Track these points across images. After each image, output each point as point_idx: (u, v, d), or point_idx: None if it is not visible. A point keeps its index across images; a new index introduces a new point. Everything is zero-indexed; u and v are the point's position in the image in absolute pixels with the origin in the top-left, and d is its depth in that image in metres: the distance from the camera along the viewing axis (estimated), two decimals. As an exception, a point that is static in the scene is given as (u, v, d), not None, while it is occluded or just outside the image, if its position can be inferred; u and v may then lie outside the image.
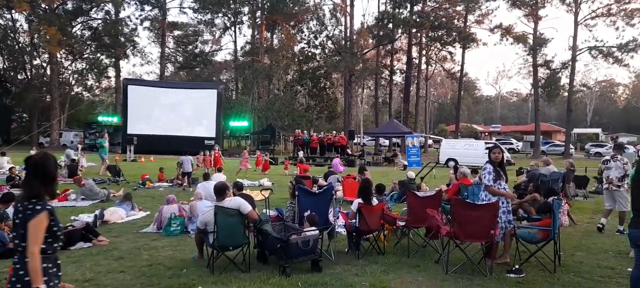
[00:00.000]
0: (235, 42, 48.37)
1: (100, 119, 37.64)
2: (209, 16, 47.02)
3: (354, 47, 41.44)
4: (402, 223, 6.59)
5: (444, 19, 39.11)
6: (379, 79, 46.91)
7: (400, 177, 13.08)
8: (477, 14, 41.25)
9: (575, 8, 35.41)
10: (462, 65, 42.92)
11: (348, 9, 41.69)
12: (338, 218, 7.07)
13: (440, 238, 5.87)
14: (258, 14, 44.80)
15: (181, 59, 51.43)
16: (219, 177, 11.78)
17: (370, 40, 43.43)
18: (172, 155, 22.96)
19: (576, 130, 53.72)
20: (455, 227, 5.41)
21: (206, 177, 10.66)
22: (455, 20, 40.97)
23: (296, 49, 47.20)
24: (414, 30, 40.08)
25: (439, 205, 6.67)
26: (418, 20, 37.82)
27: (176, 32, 49.65)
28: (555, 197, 6.49)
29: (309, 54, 45.60)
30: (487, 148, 21.94)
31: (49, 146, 34.51)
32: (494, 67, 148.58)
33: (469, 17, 41.22)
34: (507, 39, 38.18)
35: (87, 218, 8.08)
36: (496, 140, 41.21)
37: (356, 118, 46.08)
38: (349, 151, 27.94)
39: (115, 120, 35.36)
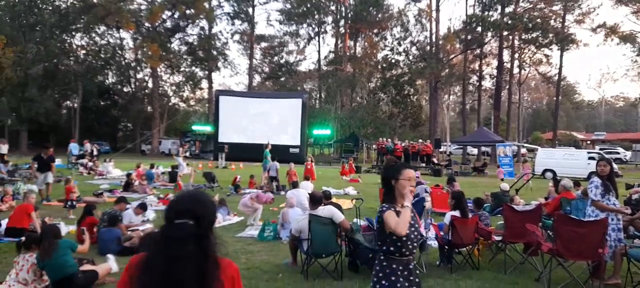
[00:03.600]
0: (319, 51, 49.19)
1: (194, 128, 40.32)
2: (294, 27, 48.53)
3: (439, 52, 40.39)
4: (499, 238, 6.30)
5: (539, 20, 36.69)
6: (467, 85, 45.20)
7: (492, 189, 12.49)
8: (577, 13, 38.24)
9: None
10: (560, 68, 40.06)
11: (433, 14, 40.78)
12: (429, 230, 6.93)
13: (541, 255, 5.53)
14: (341, 23, 45.37)
15: (267, 69, 53.53)
16: (307, 185, 12.10)
17: (457, 45, 42.04)
18: (260, 163, 23.93)
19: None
20: (558, 243, 5.08)
21: (295, 185, 10.98)
22: (552, 21, 38.26)
23: (379, 56, 47.09)
24: (505, 33, 38.13)
25: (538, 219, 6.28)
26: (510, 22, 35.93)
27: (263, 44, 51.82)
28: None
29: (393, 60, 45.19)
30: (590, 158, 20.36)
31: (150, 153, 37.55)
32: (597, 70, 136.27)
33: (568, 16, 38.34)
34: (612, 39, 35.04)
35: (189, 221, 8.70)
36: (600, 149, 37.64)
37: (442, 125, 44.77)
38: (435, 160, 27.18)
39: (208, 129, 37.60)
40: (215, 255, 1.62)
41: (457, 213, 5.94)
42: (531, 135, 56.45)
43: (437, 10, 40.54)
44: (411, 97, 47.76)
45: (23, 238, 5.49)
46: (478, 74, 43.98)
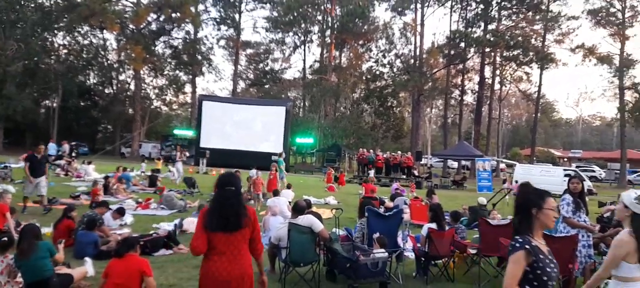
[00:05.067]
0: (304, 60, 49.35)
1: (175, 132, 39.92)
2: (280, 35, 48.63)
3: (423, 66, 40.95)
4: (474, 251, 6.44)
5: (520, 38, 37.57)
6: (449, 99, 45.86)
7: (470, 203, 12.71)
8: (557, 33, 39.24)
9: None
10: (539, 86, 40.95)
11: (418, 28, 41.39)
12: (407, 241, 7.04)
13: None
14: (327, 33, 45.67)
15: (252, 76, 53.47)
16: (287, 193, 12.14)
17: (441, 60, 42.71)
18: (242, 169, 23.83)
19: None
20: (531, 258, 5.22)
21: (276, 193, 11.00)
22: (533, 40, 39.23)
23: (364, 67, 47.46)
24: (487, 50, 38.91)
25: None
26: (492, 39, 36.71)
27: (249, 51, 51.78)
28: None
29: (377, 72, 45.65)
30: (566, 175, 20.81)
31: (130, 156, 37.05)
32: (575, 89, 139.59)
33: (548, 36, 39.32)
34: (590, 60, 36.02)
35: (168, 227, 8.65)
36: (577, 166, 38.55)
37: (424, 138, 45.26)
38: (415, 172, 27.49)
39: (190, 133, 37.30)
40: (244, 204, 3.20)
41: (434, 225, 6.06)
42: (510, 150, 57.46)
43: (422, 24, 41.20)
44: (394, 109, 48.23)
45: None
46: (460, 88, 44.72)
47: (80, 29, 40.73)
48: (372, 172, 23.16)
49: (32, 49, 35.62)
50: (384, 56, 44.60)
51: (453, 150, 32.92)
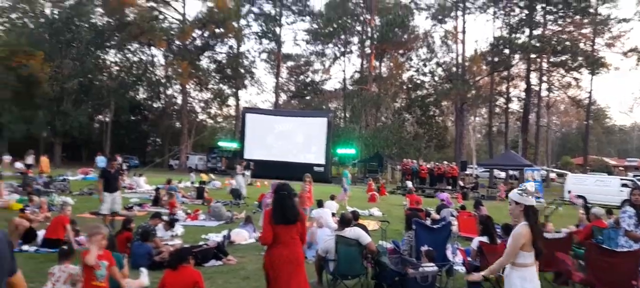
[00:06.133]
0: (344, 71, 49.55)
1: (220, 144, 40.92)
2: (320, 47, 49.10)
3: (466, 73, 40.15)
4: (528, 266, 6.21)
5: (568, 43, 36.16)
6: (494, 107, 44.65)
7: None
8: (607, 37, 37.50)
9: None
10: (590, 92, 39.25)
11: (460, 36, 40.68)
12: (456, 255, 6.89)
13: (572, 285, 5.43)
14: (367, 43, 45.69)
15: (293, 88, 54.14)
16: (331, 205, 12.17)
17: (484, 67, 41.72)
18: (285, 181, 24.09)
19: None
20: (590, 274, 5.01)
21: (320, 204, 11.04)
22: (581, 44, 37.66)
23: (405, 76, 47.05)
24: (533, 56, 37.68)
25: (569, 248, 6.18)
26: (538, 45, 35.53)
27: (289, 63, 52.55)
28: None
29: (418, 81, 45.15)
30: (623, 185, 19.75)
31: (178, 168, 38.25)
32: (629, 94, 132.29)
33: (598, 40, 37.62)
34: (643, 64, 34.17)
35: (216, 237, 8.87)
36: (634, 175, 36.49)
37: (468, 147, 44.21)
38: (461, 182, 26.85)
39: (234, 145, 38.10)
40: (296, 204, 4.48)
41: (485, 239, 5.90)
42: (560, 159, 55.12)
43: (464, 31, 40.47)
44: (436, 118, 47.47)
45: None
46: (505, 96, 43.44)
47: (130, 47, 42.77)
48: (409, 183, 22.59)
49: (86, 67, 37.69)
50: (424, 65, 44.11)
51: (500, 159, 31.94)
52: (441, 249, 6.08)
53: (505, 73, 41.53)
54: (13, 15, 39.41)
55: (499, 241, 6.06)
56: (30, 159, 20.37)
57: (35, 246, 7.81)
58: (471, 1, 40.68)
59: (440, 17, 42.33)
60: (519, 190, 3.67)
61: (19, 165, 20.29)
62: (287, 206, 4.30)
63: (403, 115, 46.83)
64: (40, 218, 10.21)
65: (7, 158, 24.95)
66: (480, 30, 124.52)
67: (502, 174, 35.98)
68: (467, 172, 32.17)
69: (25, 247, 7.72)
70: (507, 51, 37.94)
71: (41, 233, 8.11)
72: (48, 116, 35.74)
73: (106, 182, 9.86)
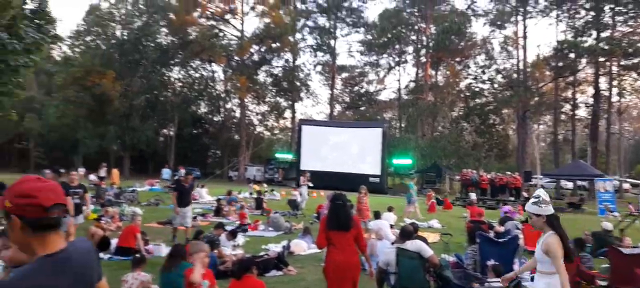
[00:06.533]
0: (399, 80, 49.16)
1: (277, 155, 41.72)
2: (374, 58, 49.01)
3: (528, 80, 38.48)
4: (604, 283, 5.84)
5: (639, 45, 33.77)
6: (559, 114, 42.38)
7: (592, 228, 11.55)
8: (684, 37, 34.64)
9: None
10: (666, 96, 36.29)
11: (521, 41, 39.13)
12: (523, 270, 6.59)
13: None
14: (422, 52, 45.06)
15: (348, 99, 54.31)
16: (389, 216, 12.05)
17: (547, 72, 39.80)
18: (340, 191, 24.14)
19: None
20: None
21: (377, 215, 10.95)
22: (656, 45, 35.01)
23: (462, 84, 45.86)
24: (601, 60, 35.47)
25: (650, 265, 5.74)
26: (607, 47, 33.43)
27: (344, 74, 52.82)
28: None
29: (477, 89, 43.82)
30: None
31: (237, 180, 39.39)
32: None
33: (674, 40, 34.84)
34: None
35: (276, 248, 9.04)
36: None
37: (531, 157, 42.19)
38: (525, 194, 25.64)
39: (290, 157, 38.71)
40: (350, 212, 5.03)
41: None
42: (634, 168, 51.27)
43: (525, 36, 38.91)
44: (497, 126, 45.75)
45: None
46: (571, 102, 41.09)
47: (192, 64, 44.92)
48: (473, 195, 21.78)
49: (152, 84, 40.06)
50: (483, 72, 42.74)
51: (567, 169, 30.15)
52: (508, 264, 5.85)
53: (570, 78, 39.36)
54: (88, 38, 42.65)
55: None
56: (103, 172, 21.70)
57: (108, 254, 8.32)
58: (532, 5, 39.12)
59: (499, 23, 40.95)
60: (534, 201, 3.63)
61: (92, 177, 21.68)
62: (341, 214, 4.75)
63: (461, 124, 45.57)
64: (112, 228, 10.90)
65: (81, 171, 26.75)
66: (542, 35, 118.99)
67: (570, 185, 33.96)
68: (531, 183, 30.67)
69: (100, 255, 8.20)
70: (572, 55, 36.00)
71: (114, 242, 8.61)
72: (118, 131, 38.18)
73: (180, 196, 9.80)
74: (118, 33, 42.64)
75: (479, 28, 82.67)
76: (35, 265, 1.65)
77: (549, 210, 3.59)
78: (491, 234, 8.09)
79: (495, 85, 42.52)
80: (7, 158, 42.67)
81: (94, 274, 1.86)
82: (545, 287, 3.56)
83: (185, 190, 9.96)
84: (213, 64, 44.62)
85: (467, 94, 44.50)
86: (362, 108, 51.54)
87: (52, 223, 1.68)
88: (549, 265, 3.54)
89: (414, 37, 46.27)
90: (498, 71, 42.28)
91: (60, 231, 1.76)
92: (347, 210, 4.86)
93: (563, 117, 43.33)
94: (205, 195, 19.89)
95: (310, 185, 17.31)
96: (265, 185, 27.99)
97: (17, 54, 12.34)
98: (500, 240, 6.23)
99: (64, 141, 40.16)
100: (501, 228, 10.00)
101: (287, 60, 47.03)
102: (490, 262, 5.61)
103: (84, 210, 9.28)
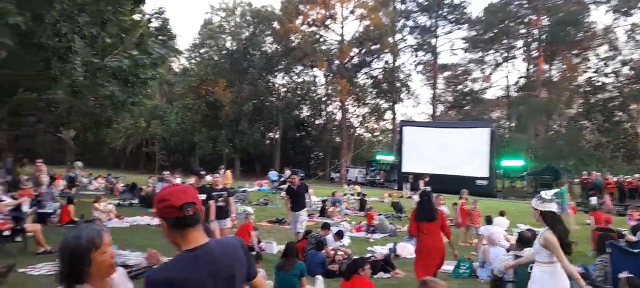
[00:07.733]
0: (507, 77, 46.19)
1: (378, 157, 41.59)
2: (479, 54, 46.67)
3: (662, 71, 33.94)
4: None
5: None
6: None
7: None
8: None
9: None
10: None
11: (653, 27, 34.63)
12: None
13: None
14: (534, 45, 41.88)
15: (451, 98, 52.37)
16: (501, 221, 11.43)
17: (688, 61, 34.74)
18: (444, 194, 23.33)
19: None
20: None
21: (489, 220, 10.45)
22: None
23: (581, 79, 41.78)
24: None
25: None
26: None
27: (446, 73, 51.01)
28: None
29: (599, 83, 39.61)
30: None
31: (338, 181, 40.02)
32: None
33: None
34: None
35: (382, 250, 9.05)
36: None
37: (669, 158, 37.07)
38: (660, 199, 22.64)
39: (391, 158, 38.34)
40: (435, 206, 6.52)
41: None
42: None
43: (658, 22, 34.33)
44: (624, 124, 40.91)
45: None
46: None
47: (295, 69, 46.69)
48: (594, 199, 19.68)
49: (259, 90, 42.49)
50: (606, 64, 38.57)
51: None
52: (645, 277, 5.23)
53: None
54: (202, 50, 46.55)
55: None
56: (221, 173, 23.53)
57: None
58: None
59: (624, 9, 36.60)
60: (537, 198, 4.22)
61: (209, 178, 23.44)
62: (427, 207, 6.07)
63: (580, 122, 41.53)
64: (229, 225, 11.71)
65: (222, 173, 29.18)
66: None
67: None
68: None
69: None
70: None
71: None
72: (229, 135, 41.13)
73: (293, 201, 9.27)
74: (228, 44, 45.81)
75: (600, 16, 74.72)
76: (174, 259, 1.88)
77: (546, 207, 4.07)
78: (622, 243, 7.30)
79: (621, 79, 38.13)
80: (137, 161, 47.87)
81: (237, 269, 1.98)
82: (539, 274, 4.03)
83: (294, 192, 9.31)
84: (314, 68, 45.89)
85: (588, 88, 40.48)
86: (467, 107, 49.36)
87: (188, 221, 1.87)
88: (545, 256, 4.00)
89: (523, 31, 43.22)
90: (624, 63, 37.90)
91: (200, 227, 1.95)
92: (432, 203, 6.21)
93: None
94: (311, 196, 20.49)
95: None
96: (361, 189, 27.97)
97: (146, 68, 13.84)
98: (635, 250, 5.59)
99: (183, 145, 44.14)
100: (634, 238, 8.96)
101: (387, 62, 46.69)
102: (624, 274, 5.07)
103: (230, 214, 8.85)
